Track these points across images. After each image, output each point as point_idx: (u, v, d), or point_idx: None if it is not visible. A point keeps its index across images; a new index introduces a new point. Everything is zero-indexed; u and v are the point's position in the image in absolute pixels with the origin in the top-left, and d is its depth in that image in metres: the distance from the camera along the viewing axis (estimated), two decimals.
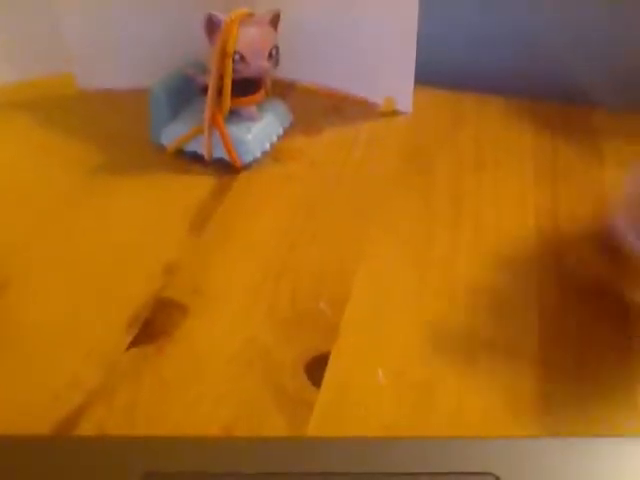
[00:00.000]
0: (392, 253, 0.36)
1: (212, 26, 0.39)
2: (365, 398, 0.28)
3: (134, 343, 0.30)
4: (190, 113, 0.43)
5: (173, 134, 0.42)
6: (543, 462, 0.24)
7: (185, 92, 0.43)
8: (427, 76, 0.48)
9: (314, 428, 0.27)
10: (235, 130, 0.41)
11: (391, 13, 0.45)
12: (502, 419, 0.27)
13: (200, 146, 0.42)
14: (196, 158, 0.42)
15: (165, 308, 0.32)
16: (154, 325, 0.31)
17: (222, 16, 0.38)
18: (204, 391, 0.28)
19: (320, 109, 0.50)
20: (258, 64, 0.40)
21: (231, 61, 0.39)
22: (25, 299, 0.33)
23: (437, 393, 0.28)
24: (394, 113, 0.49)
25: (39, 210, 0.39)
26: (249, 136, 0.42)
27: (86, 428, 0.27)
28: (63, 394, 0.28)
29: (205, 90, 0.41)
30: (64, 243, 0.36)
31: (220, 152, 0.42)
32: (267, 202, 0.40)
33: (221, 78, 0.39)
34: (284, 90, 0.49)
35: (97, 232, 0.37)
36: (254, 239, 0.37)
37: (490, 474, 0.24)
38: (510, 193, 0.40)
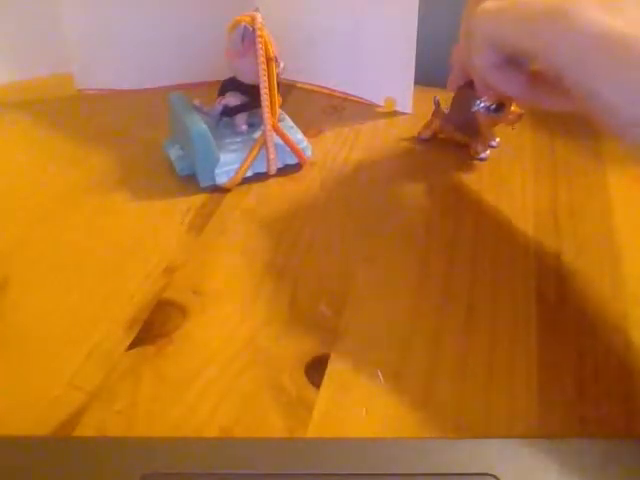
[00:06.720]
0: (392, 254, 0.36)
1: (247, 35, 0.38)
2: (365, 399, 0.28)
3: (134, 344, 0.30)
4: (225, 143, 0.41)
5: (227, 171, 0.40)
6: (543, 462, 0.24)
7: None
8: (427, 76, 0.48)
9: (314, 429, 0.27)
10: (292, 133, 0.41)
11: (391, 14, 0.45)
12: (503, 420, 0.27)
13: (258, 166, 0.41)
14: None
15: (165, 309, 0.32)
16: (154, 326, 0.31)
17: (249, 23, 0.37)
18: (204, 391, 0.28)
19: (320, 109, 0.50)
20: (282, 65, 0.39)
21: (274, 65, 0.38)
22: (24, 299, 0.33)
23: (436, 394, 0.28)
24: (394, 113, 0.49)
25: (39, 210, 0.39)
26: (299, 135, 0.42)
27: (86, 429, 0.27)
28: (63, 395, 0.28)
29: (225, 113, 0.41)
30: (64, 243, 0.36)
31: (280, 162, 0.41)
32: (267, 202, 0.40)
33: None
34: (284, 90, 0.49)
35: (97, 232, 0.37)
36: (254, 239, 0.37)
37: (490, 475, 0.24)
38: (510, 191, 0.40)
